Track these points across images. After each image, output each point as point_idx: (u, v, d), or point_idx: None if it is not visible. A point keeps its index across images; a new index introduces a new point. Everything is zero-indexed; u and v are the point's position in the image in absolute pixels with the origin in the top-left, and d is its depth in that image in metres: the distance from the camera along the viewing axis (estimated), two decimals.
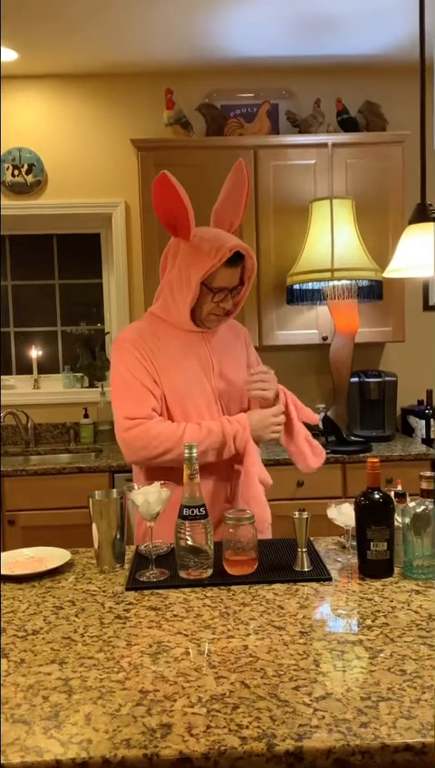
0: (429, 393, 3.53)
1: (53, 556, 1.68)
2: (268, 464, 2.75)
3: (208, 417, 1.85)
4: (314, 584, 1.48)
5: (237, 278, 1.85)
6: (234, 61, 3.49)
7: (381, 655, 1.15)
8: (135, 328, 1.92)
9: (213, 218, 1.94)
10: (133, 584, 1.50)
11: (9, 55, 3.31)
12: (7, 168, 3.59)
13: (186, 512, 1.52)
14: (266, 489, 1.89)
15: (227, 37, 3.23)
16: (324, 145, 3.33)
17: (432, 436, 3.43)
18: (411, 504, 1.51)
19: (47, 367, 3.86)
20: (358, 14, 3.02)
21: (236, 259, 1.81)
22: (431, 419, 3.44)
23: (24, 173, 3.60)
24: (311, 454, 1.94)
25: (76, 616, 1.36)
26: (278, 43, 3.32)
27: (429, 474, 1.51)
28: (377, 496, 1.50)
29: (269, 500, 1.85)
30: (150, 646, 1.21)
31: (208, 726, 0.95)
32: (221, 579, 1.51)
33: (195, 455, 1.53)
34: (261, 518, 1.80)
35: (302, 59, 3.50)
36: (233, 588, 1.47)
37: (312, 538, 1.75)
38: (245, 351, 2.03)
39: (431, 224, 1.71)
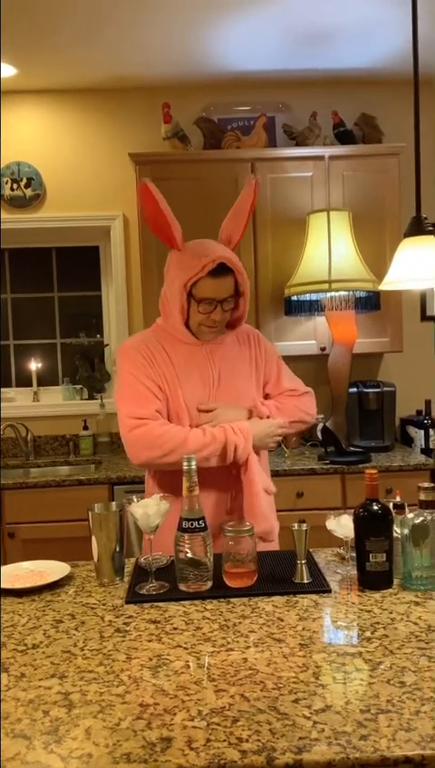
0: (427, 403, 3.54)
1: (53, 569, 1.68)
2: None
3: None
4: (314, 596, 1.49)
5: (226, 290, 1.83)
6: (230, 75, 3.53)
7: (381, 667, 1.15)
8: (140, 336, 1.95)
9: (220, 232, 1.95)
10: (133, 597, 1.51)
11: (8, 71, 3.34)
12: (6, 182, 3.61)
13: (185, 524, 1.52)
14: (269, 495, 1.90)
15: (224, 52, 3.26)
16: (321, 157, 3.36)
17: (431, 446, 3.43)
18: (410, 516, 1.51)
19: (46, 379, 3.86)
20: (352, 27, 3.06)
21: (221, 270, 1.80)
22: (430, 429, 3.44)
23: (22, 187, 3.62)
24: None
25: (76, 629, 1.36)
26: (274, 57, 3.35)
27: (427, 485, 1.52)
28: (376, 508, 1.50)
29: None
30: (150, 659, 1.21)
31: (208, 740, 0.95)
32: (221, 591, 1.51)
33: (193, 467, 1.53)
34: (267, 530, 1.81)
35: (298, 72, 3.53)
36: (232, 600, 1.48)
37: (311, 549, 1.75)
38: (252, 360, 1.98)
39: (426, 237, 1.72)
